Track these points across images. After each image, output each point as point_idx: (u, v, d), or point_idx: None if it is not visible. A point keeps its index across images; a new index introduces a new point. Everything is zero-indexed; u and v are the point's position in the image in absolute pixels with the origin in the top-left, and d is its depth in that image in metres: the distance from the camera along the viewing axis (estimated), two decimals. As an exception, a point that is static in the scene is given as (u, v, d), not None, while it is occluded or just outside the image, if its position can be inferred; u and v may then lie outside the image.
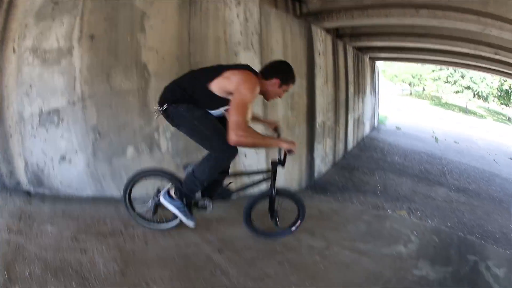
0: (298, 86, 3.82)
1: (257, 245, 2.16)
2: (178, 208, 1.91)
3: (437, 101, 31.64)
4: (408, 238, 2.86)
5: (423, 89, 34.14)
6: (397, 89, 34.64)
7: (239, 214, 2.18)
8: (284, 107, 3.63)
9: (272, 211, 2.12)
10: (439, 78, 29.15)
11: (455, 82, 28.92)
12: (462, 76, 28.80)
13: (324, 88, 4.81)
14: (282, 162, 2.01)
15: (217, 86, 1.74)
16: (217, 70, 1.78)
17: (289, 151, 1.81)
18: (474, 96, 29.81)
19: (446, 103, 31.47)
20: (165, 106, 1.76)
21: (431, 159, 8.19)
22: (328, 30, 4.88)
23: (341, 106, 5.93)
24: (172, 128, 2.12)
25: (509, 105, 31.13)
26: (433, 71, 29.43)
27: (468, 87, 29.04)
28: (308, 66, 4.19)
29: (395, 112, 17.77)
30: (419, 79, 33.00)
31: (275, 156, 2.13)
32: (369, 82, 9.61)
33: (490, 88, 30.11)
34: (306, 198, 3.01)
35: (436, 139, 11.70)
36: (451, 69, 27.81)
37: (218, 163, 1.84)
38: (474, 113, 30.14)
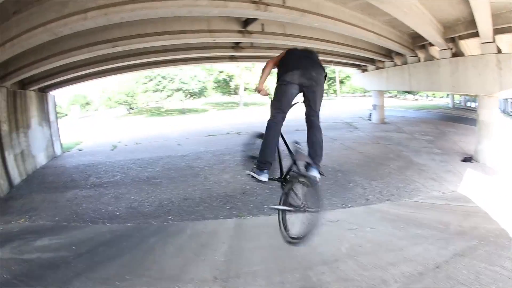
0: None
1: None
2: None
3: (156, 112, 32.61)
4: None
5: (145, 104, 34.45)
6: (117, 112, 34.25)
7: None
8: None
9: None
10: (147, 90, 30.37)
11: (164, 88, 29.92)
12: (172, 81, 29.77)
13: None
14: None
15: None
16: None
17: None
18: (186, 96, 31.11)
19: (165, 111, 32.62)
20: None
21: (88, 168, 9.67)
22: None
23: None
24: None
25: (237, 93, 33.60)
26: (143, 83, 30.43)
27: (179, 89, 30.20)
28: None
29: (97, 136, 17.89)
30: (132, 96, 32.91)
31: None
32: (37, 115, 10.28)
33: (203, 83, 32.19)
34: None
35: (114, 147, 13.44)
36: (159, 77, 29.16)
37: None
38: (195, 111, 31.50)
